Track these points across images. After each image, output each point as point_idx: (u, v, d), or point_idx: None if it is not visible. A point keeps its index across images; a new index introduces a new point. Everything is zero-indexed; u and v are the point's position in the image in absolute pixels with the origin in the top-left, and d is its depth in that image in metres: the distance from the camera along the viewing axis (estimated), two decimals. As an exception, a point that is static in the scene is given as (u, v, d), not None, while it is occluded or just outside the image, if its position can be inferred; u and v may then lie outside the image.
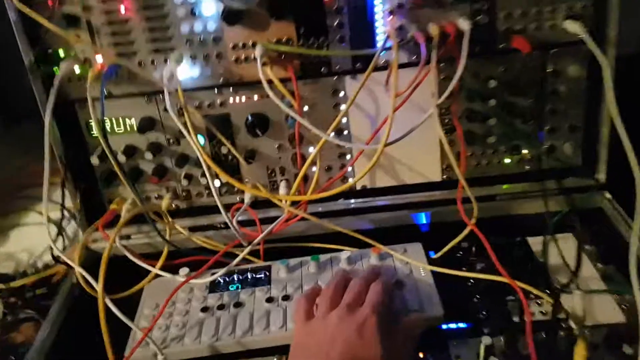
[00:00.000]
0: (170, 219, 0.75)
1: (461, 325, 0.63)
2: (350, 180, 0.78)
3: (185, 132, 0.67)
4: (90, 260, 0.77)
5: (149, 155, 0.74)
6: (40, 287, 0.83)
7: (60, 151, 0.75)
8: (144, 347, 0.63)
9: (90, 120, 0.74)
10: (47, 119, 0.67)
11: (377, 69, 0.67)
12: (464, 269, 0.69)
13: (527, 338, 0.50)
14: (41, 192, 0.70)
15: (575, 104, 0.74)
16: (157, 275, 0.71)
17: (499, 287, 0.66)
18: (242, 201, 0.78)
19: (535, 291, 0.61)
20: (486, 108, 0.73)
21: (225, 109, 0.74)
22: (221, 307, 0.67)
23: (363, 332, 0.54)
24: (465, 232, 0.67)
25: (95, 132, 0.74)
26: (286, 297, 0.67)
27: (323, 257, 0.72)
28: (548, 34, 0.69)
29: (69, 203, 0.81)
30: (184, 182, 0.77)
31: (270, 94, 0.65)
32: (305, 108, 0.74)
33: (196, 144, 0.65)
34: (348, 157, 0.77)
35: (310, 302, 0.61)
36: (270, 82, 0.66)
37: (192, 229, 0.79)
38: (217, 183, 0.79)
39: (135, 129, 0.74)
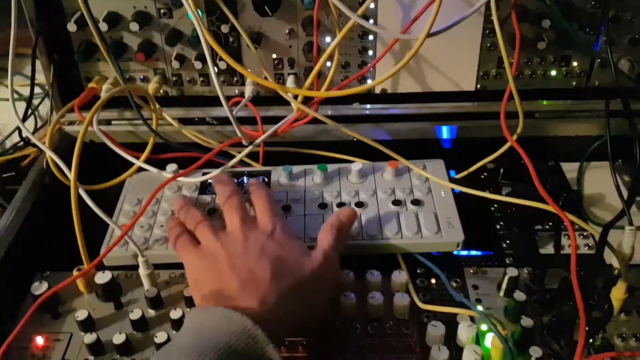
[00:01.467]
0: (157, 106, 0.65)
1: (481, 252, 0.56)
2: (369, 81, 0.68)
3: None
4: (65, 145, 0.69)
5: (134, 26, 0.62)
6: (7, 171, 0.74)
7: (31, 13, 0.62)
8: (123, 247, 0.55)
9: (65, -23, 0.61)
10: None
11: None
12: (488, 191, 0.61)
13: (572, 272, 0.43)
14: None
15: (642, 13, 0.62)
16: (140, 169, 0.62)
17: (527, 215, 0.59)
18: (241, 95, 0.68)
19: (581, 223, 0.54)
20: (542, 6, 0.61)
21: (230, -22, 0.61)
22: (212, 211, 0.59)
23: (274, 237, 0.49)
24: (504, 148, 0.58)
25: (71, -9, 0.62)
26: (286, 207, 0.59)
27: (331, 168, 0.63)
28: None
29: (42, 78, 0.70)
30: (175, 64, 0.66)
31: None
32: (326, -14, 0.61)
33: (195, 14, 0.53)
34: (370, 53, 0.66)
35: (185, 234, 0.52)
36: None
37: (183, 121, 0.69)
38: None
39: (121, -9, 0.62)
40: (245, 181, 0.62)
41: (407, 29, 0.58)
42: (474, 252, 0.57)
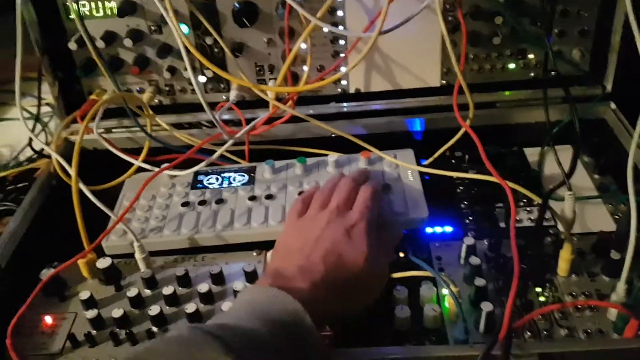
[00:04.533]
0: (151, 112, 0.72)
1: (446, 229, 0.62)
2: (344, 82, 0.75)
3: (166, 16, 0.62)
4: (70, 153, 0.74)
5: (128, 42, 0.70)
6: (21, 181, 0.81)
7: (36, 35, 0.70)
8: (121, 237, 0.62)
9: (67, 2, 0.69)
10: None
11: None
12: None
13: (511, 238, 0.48)
14: (23, 87, 0.67)
15: (588, 6, 0.68)
16: (138, 170, 0.69)
17: (488, 195, 0.64)
18: (227, 100, 0.74)
19: (524, 191, 0.58)
20: (494, 5, 0.67)
21: (211, -5, 0.69)
22: (202, 202, 0.65)
23: (351, 234, 0.52)
24: (460, 134, 0.64)
25: (72, 14, 0.69)
26: (269, 197, 0.65)
27: (310, 160, 0.69)
28: None
29: (49, 98, 0.77)
30: (167, 75, 0.73)
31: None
32: (298, -3, 0.68)
33: (177, 28, 0.60)
34: (342, 56, 0.73)
35: (304, 203, 0.58)
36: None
37: (176, 126, 0.75)
38: (202, 79, 0.75)
39: (115, 12, 0.69)
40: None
41: (367, 29, 0.64)
42: (440, 229, 0.62)
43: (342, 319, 0.50)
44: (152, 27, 0.71)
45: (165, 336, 0.42)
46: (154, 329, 0.54)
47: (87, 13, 0.70)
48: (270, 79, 0.74)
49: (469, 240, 0.56)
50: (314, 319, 0.44)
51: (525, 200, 0.63)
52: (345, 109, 0.76)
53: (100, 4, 0.70)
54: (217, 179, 0.68)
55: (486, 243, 0.58)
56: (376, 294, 0.52)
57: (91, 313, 0.54)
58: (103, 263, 0.58)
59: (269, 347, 0.41)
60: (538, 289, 0.53)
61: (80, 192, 0.59)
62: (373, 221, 0.54)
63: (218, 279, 0.57)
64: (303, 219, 0.56)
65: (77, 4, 0.62)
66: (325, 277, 0.48)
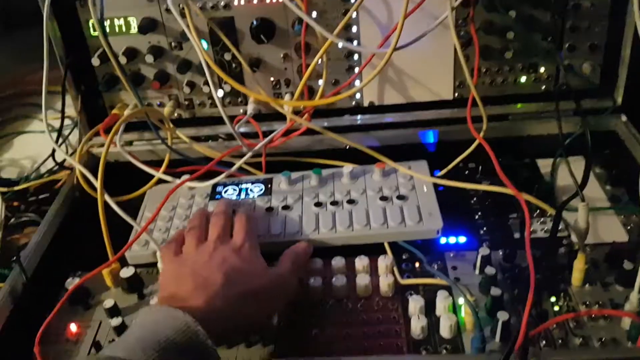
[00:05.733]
0: (171, 125, 0.74)
1: (460, 239, 0.63)
2: (358, 95, 0.76)
3: (187, 32, 0.64)
4: (93, 166, 0.76)
5: (149, 58, 0.72)
6: (43, 192, 0.84)
7: (60, 51, 0.73)
8: (144, 247, 0.63)
9: (90, 19, 0.71)
10: (46, 12, 0.64)
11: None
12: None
13: (526, 249, 0.49)
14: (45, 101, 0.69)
15: (598, 21, 0.69)
16: (159, 181, 0.71)
17: (502, 206, 0.65)
18: (245, 114, 0.76)
19: (538, 203, 0.59)
20: (505, 20, 0.69)
21: (230, 12, 0.71)
22: (221, 214, 0.67)
23: (240, 253, 0.54)
24: (474, 146, 0.65)
25: (95, 31, 0.72)
26: (286, 207, 0.66)
27: (325, 172, 0.71)
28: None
29: (71, 112, 0.80)
30: (187, 90, 0.75)
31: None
32: (314, 14, 0.70)
33: (198, 44, 0.62)
34: (356, 70, 0.74)
35: (178, 243, 0.58)
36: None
37: (195, 139, 0.77)
38: (220, 93, 0.77)
39: (136, 29, 0.71)
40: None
41: (382, 44, 0.66)
42: (454, 240, 0.63)
43: (247, 331, 0.52)
44: (173, 44, 0.73)
45: None
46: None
47: (109, 30, 0.72)
48: (286, 92, 0.76)
49: (484, 251, 0.57)
50: (212, 333, 0.45)
51: (538, 212, 0.64)
52: (359, 122, 0.77)
53: (122, 21, 0.72)
54: (234, 190, 0.70)
55: (501, 253, 0.59)
56: (278, 306, 0.54)
57: (115, 321, 0.55)
58: (126, 272, 0.60)
59: None
60: (553, 299, 0.54)
61: (104, 203, 0.61)
62: (256, 243, 0.57)
63: (237, 287, 0.58)
64: (185, 253, 0.56)
65: (102, 22, 0.64)
66: (222, 290, 0.50)
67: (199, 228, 0.59)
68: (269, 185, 0.70)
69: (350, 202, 0.65)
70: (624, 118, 0.72)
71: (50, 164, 0.85)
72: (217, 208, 0.61)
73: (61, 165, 0.84)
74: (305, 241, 0.60)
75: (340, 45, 0.70)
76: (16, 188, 0.83)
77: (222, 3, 0.70)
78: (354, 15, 0.70)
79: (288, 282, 0.55)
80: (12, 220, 0.80)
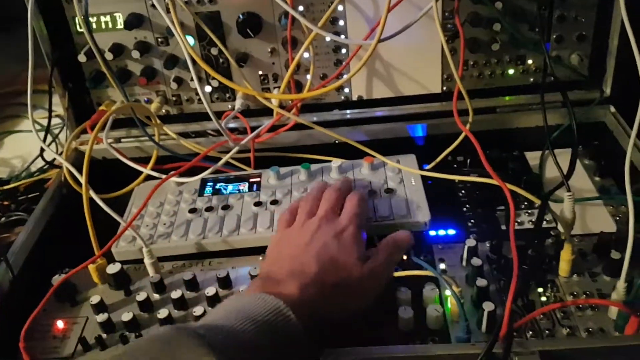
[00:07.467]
0: (159, 122, 0.73)
1: (449, 231, 0.63)
2: (346, 90, 0.76)
3: (172, 28, 0.64)
4: (80, 163, 0.75)
5: (136, 54, 0.72)
6: (33, 191, 0.83)
7: (46, 48, 0.72)
8: (130, 243, 0.63)
9: (76, 16, 0.71)
10: (30, 9, 0.64)
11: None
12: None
13: (511, 240, 0.49)
14: (35, 100, 0.69)
15: (585, 11, 0.69)
16: (147, 178, 0.70)
17: (490, 198, 0.65)
18: (233, 109, 0.76)
19: (524, 193, 0.59)
20: (492, 12, 0.68)
21: (216, 7, 0.71)
22: (209, 209, 0.66)
23: (340, 238, 0.53)
24: (460, 138, 0.65)
25: (81, 28, 0.71)
26: (275, 202, 0.66)
27: (314, 167, 0.70)
28: None
29: (59, 110, 0.79)
30: (174, 86, 0.75)
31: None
32: (300, 8, 0.70)
33: (183, 40, 0.62)
34: (344, 64, 0.74)
35: (292, 214, 0.59)
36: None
37: (183, 135, 0.77)
38: (208, 89, 0.76)
39: (122, 25, 0.71)
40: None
41: (368, 37, 0.65)
42: (442, 232, 0.63)
43: (332, 323, 0.51)
44: (159, 39, 0.73)
45: (149, 334, 0.43)
46: (163, 332, 0.55)
47: (95, 26, 0.72)
48: (274, 87, 0.76)
49: (470, 242, 0.57)
50: (302, 320, 0.45)
51: (526, 203, 0.64)
52: (348, 116, 0.77)
53: (108, 17, 0.72)
54: (223, 185, 0.70)
55: (488, 245, 0.58)
56: (369, 299, 0.52)
57: (102, 317, 0.55)
58: (113, 268, 0.60)
59: (253, 346, 0.42)
60: (540, 289, 0.54)
61: (91, 200, 0.60)
62: (362, 227, 0.56)
63: (225, 282, 0.58)
64: (292, 228, 0.57)
65: (87, 18, 0.64)
66: (316, 278, 0.49)
67: (312, 200, 0.58)
68: (258, 180, 0.70)
69: (339, 196, 0.65)
70: (612, 109, 0.72)
71: (42, 162, 0.85)
72: (334, 184, 0.61)
73: (51, 164, 0.84)
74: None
75: (327, 38, 0.70)
76: (6, 187, 0.83)
77: (208, -3, 0.70)
78: (341, 8, 0.70)
79: (381, 276, 0.53)
80: (2, 219, 0.80)
